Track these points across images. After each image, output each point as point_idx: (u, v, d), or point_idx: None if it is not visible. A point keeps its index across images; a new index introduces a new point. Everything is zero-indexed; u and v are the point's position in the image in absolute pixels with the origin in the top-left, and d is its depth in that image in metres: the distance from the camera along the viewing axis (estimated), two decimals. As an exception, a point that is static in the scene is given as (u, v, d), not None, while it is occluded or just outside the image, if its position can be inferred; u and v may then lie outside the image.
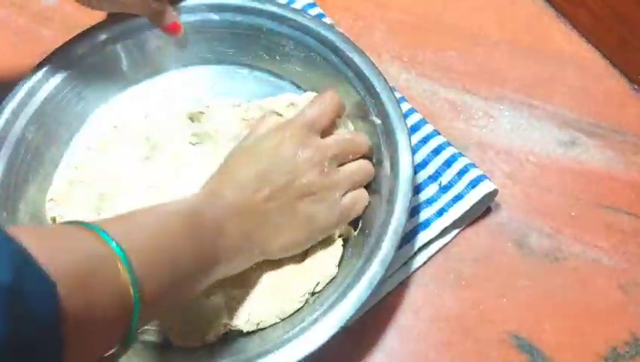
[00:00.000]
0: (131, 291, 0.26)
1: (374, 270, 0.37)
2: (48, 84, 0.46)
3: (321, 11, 0.56)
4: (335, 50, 0.46)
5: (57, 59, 0.47)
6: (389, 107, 0.43)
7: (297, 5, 0.56)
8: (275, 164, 0.38)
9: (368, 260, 0.38)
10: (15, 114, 0.45)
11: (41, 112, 0.46)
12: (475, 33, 0.56)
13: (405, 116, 0.49)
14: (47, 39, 0.52)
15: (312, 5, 0.56)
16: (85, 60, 0.48)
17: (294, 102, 0.47)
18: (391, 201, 0.40)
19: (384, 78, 0.44)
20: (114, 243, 0.26)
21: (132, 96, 0.50)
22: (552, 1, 0.57)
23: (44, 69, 0.46)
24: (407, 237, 0.45)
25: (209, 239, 0.34)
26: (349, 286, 0.37)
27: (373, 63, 0.45)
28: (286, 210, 0.38)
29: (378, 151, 0.43)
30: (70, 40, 0.48)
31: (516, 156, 0.49)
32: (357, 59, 0.45)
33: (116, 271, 0.26)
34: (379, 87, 0.44)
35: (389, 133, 0.42)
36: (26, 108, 0.45)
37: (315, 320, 0.37)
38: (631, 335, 0.42)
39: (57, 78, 0.47)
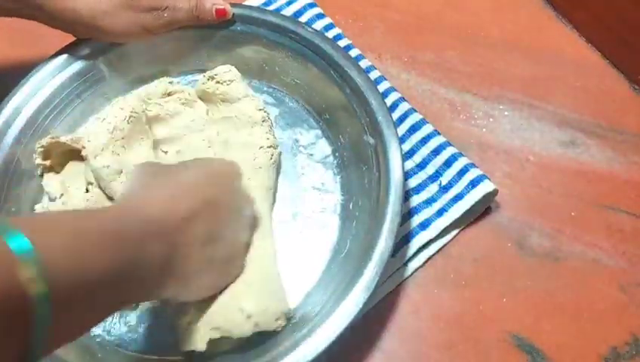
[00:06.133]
0: (33, 290, 0.21)
1: (357, 295, 0.37)
2: (44, 90, 0.47)
3: (321, 11, 0.56)
4: (334, 65, 0.46)
5: (51, 66, 0.47)
6: (384, 126, 0.43)
7: (297, 5, 0.56)
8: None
9: (351, 285, 0.38)
10: (10, 119, 0.45)
11: (35, 119, 0.46)
12: (475, 33, 0.56)
13: (405, 116, 0.49)
14: (47, 39, 0.51)
15: (312, 5, 0.56)
16: (77, 69, 0.48)
17: (170, 91, 0.47)
18: (379, 225, 0.39)
19: (382, 98, 0.44)
20: (20, 237, 0.21)
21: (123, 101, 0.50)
22: (552, 1, 0.57)
23: (39, 76, 0.47)
24: (407, 237, 0.45)
25: (129, 251, 0.29)
26: (330, 311, 0.37)
27: (371, 81, 0.45)
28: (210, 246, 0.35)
29: (369, 173, 0.43)
30: (60, 50, 0.48)
31: (516, 156, 0.49)
32: (355, 75, 0.45)
33: (10, 264, 0.21)
34: (375, 105, 0.44)
35: (382, 154, 0.42)
36: (22, 113, 0.46)
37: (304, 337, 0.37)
38: (631, 336, 0.42)
39: (50, 86, 0.47)
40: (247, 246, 0.40)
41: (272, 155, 0.46)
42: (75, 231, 0.26)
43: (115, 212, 0.31)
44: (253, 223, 0.41)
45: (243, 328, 0.38)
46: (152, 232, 0.31)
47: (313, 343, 0.36)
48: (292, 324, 0.40)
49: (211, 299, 0.39)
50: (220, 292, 0.39)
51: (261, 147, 0.45)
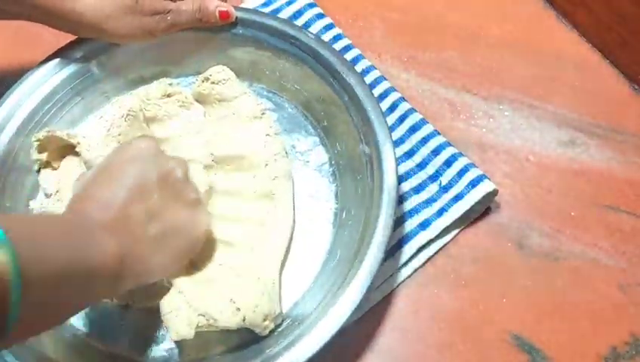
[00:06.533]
0: (8, 268, 0.25)
1: (343, 307, 0.37)
2: (44, 87, 0.47)
3: (321, 11, 0.56)
4: (333, 72, 0.46)
5: (51, 64, 0.47)
6: (380, 137, 0.42)
7: (297, 5, 0.56)
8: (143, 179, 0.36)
9: (338, 295, 0.37)
10: (9, 115, 0.45)
11: (35, 115, 0.46)
12: (475, 33, 0.56)
13: (405, 116, 0.49)
14: (47, 39, 0.51)
15: (312, 5, 0.56)
16: (77, 68, 0.48)
17: (170, 93, 0.48)
18: (370, 236, 0.39)
19: (379, 106, 0.44)
20: None
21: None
22: (552, 1, 0.57)
23: (39, 73, 0.47)
24: (407, 237, 0.45)
25: (81, 248, 0.31)
26: (315, 322, 0.37)
27: (369, 88, 0.45)
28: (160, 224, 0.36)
29: (363, 183, 0.42)
30: (61, 49, 0.48)
31: (516, 156, 0.49)
32: (354, 84, 0.45)
33: None
34: (373, 114, 0.43)
35: (376, 165, 0.42)
36: (21, 109, 0.46)
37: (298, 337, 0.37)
38: (631, 336, 0.42)
39: (50, 84, 0.47)
40: (194, 203, 0.38)
41: (282, 142, 0.46)
42: (42, 229, 0.30)
43: (68, 216, 0.35)
44: (187, 182, 0.39)
45: (229, 320, 0.38)
46: (97, 228, 0.33)
47: (296, 352, 0.36)
48: (277, 332, 0.39)
49: (203, 285, 0.39)
50: (212, 280, 0.40)
51: (268, 135, 0.46)
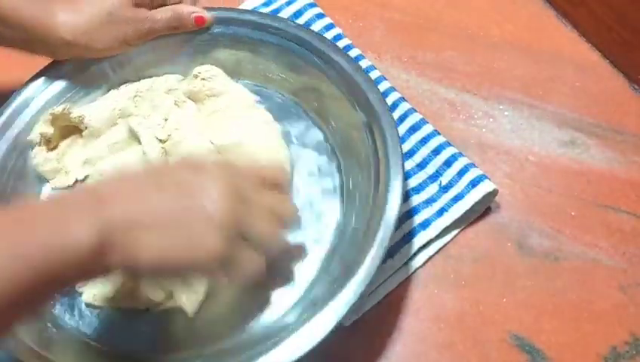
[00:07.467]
0: None
1: (347, 295, 0.36)
2: (40, 96, 0.47)
3: (321, 11, 0.56)
4: (316, 51, 0.46)
5: (50, 73, 0.48)
6: (374, 100, 0.43)
7: (297, 5, 0.56)
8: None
9: (338, 290, 0.37)
10: (9, 121, 0.46)
11: (35, 122, 0.47)
12: (475, 33, 0.56)
13: (405, 116, 0.49)
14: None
15: (312, 5, 0.56)
16: (75, 76, 0.48)
17: (172, 88, 0.49)
18: (373, 232, 0.38)
19: (366, 73, 0.44)
20: None
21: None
22: (552, 1, 0.57)
23: (38, 81, 0.47)
24: (407, 237, 0.45)
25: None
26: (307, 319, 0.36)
27: (352, 59, 0.45)
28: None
29: (368, 169, 0.42)
30: (38, 72, 0.48)
31: (516, 156, 0.49)
32: (337, 57, 0.45)
33: None
34: (360, 80, 0.44)
35: (375, 126, 0.42)
36: (20, 116, 0.46)
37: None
38: (631, 336, 0.42)
39: (50, 92, 0.47)
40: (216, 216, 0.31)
41: (278, 129, 0.47)
42: None
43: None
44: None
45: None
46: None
47: (294, 343, 0.35)
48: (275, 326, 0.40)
49: None
50: None
51: (265, 122, 0.47)
